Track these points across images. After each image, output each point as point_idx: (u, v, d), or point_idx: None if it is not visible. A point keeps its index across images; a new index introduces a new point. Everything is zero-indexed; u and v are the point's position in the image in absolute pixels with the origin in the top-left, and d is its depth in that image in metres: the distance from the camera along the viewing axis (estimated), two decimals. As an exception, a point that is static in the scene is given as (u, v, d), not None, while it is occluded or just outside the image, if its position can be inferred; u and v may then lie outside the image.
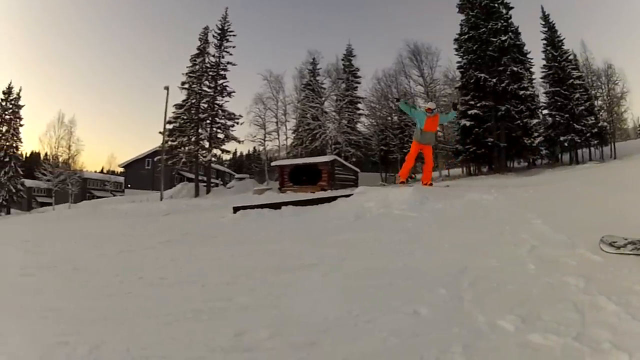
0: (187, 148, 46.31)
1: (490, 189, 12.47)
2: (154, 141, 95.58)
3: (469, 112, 39.70)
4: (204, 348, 3.50)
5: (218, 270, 6.39)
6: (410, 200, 10.77)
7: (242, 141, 50.60)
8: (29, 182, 58.17)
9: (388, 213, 10.16)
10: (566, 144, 40.95)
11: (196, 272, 6.53)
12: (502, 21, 40.42)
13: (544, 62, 43.29)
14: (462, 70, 42.57)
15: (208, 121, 47.67)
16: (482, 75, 39.11)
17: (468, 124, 39.56)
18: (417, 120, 14.37)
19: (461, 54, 42.63)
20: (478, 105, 39.33)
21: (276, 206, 13.71)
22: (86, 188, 66.50)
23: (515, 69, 38.79)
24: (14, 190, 48.59)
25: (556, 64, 41.72)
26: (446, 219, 8.79)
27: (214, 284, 5.58)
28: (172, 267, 7.13)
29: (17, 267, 8.00)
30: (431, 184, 14.55)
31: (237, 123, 48.68)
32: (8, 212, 49.63)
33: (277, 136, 54.18)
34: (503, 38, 39.16)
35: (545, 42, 43.47)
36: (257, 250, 7.89)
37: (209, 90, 48.50)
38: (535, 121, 39.52)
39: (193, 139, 46.58)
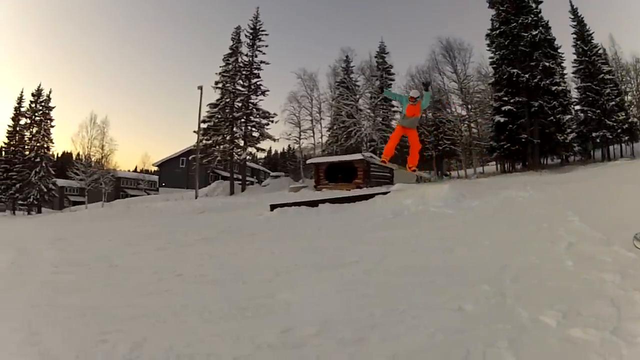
0: (222, 147, 45.93)
1: (525, 186, 12.34)
2: (188, 140, 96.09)
3: (503, 109, 38.67)
4: (250, 345, 3.50)
5: (258, 268, 6.41)
6: (447, 198, 10.84)
7: (277, 139, 49.93)
8: (61, 182, 58.54)
9: (425, 210, 10.20)
10: (598, 140, 39.66)
11: (236, 269, 6.55)
12: (532, 15, 39.66)
13: (575, 57, 40.68)
14: (494, 66, 41.72)
15: (243, 120, 47.10)
16: (515, 70, 38.40)
17: (502, 120, 38.63)
18: (401, 105, 14.75)
19: (493, 50, 41.82)
20: (511, 101, 38.55)
21: (313, 204, 13.78)
22: (120, 187, 66.52)
23: (546, 64, 38.04)
24: (45, 190, 48.97)
25: (586, 59, 41.30)
26: (483, 216, 8.79)
27: (256, 281, 5.61)
28: (212, 264, 7.15)
29: (49, 265, 8.09)
30: (414, 170, 14.46)
31: (272, 121, 47.87)
32: (39, 211, 50.09)
33: (312, 134, 53.55)
34: (534, 33, 38.34)
35: (574, 36, 42.24)
36: (297, 247, 7.93)
37: (242, 89, 47.64)
38: (567, 117, 38.87)
39: (228, 137, 46.24)
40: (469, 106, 43.48)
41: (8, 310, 5.08)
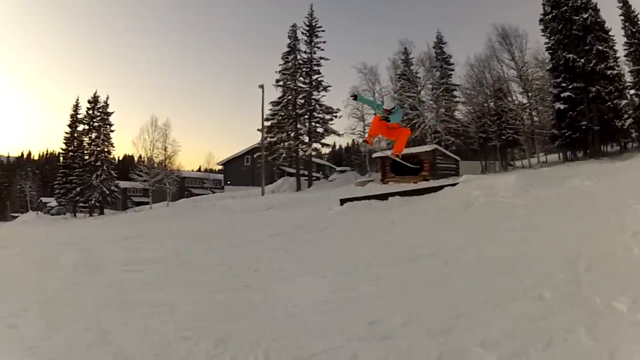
0: (286, 143, 45.71)
1: (589, 174, 12.10)
2: (252, 139, 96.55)
3: (562, 95, 37.50)
4: (339, 337, 3.56)
5: (337, 261, 6.48)
6: (515, 188, 10.80)
7: (342, 134, 50.10)
8: (123, 184, 59.69)
9: (495, 201, 10.20)
10: (654, 125, 38.00)
11: (313, 263, 6.65)
12: (581, -3, 38.65)
13: (625, 40, 40.22)
14: (550, 51, 40.46)
15: (306, 116, 46.71)
16: (571, 55, 37.14)
17: (562, 107, 37.25)
18: (376, 111, 14.25)
19: (547, 35, 40.42)
20: (570, 87, 37.19)
21: (383, 197, 13.77)
22: (184, 186, 67.94)
23: (600, 47, 36.66)
24: (107, 192, 50.31)
25: (636, 41, 39.54)
26: (552, 206, 8.75)
27: (336, 275, 5.67)
28: (287, 259, 7.25)
29: (117, 265, 8.20)
30: (397, 156, 14.08)
31: (335, 117, 47.24)
32: (101, 213, 51.03)
33: None
34: (584, 16, 36.98)
35: (622, 17, 40.18)
36: (372, 241, 8.00)
37: (304, 86, 47.35)
38: (624, 102, 37.17)
39: (292, 134, 46.04)
40: (529, 94, 42.31)
41: (76, 309, 5.13)
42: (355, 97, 11.02)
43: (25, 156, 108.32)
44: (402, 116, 13.89)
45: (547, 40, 40.31)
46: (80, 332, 4.25)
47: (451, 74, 47.87)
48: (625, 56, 39.58)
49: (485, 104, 45.52)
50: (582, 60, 36.20)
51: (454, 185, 13.25)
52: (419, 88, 47.66)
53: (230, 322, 4.23)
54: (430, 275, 5.10)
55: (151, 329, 4.23)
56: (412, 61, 49.39)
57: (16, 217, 65.57)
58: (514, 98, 43.34)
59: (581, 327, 3.18)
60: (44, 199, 76.56)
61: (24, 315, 4.93)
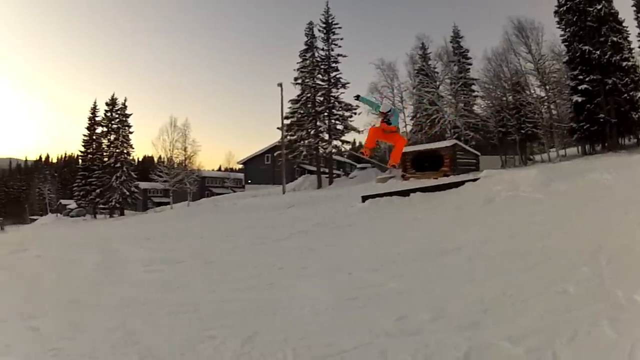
0: (306, 141, 46.11)
1: (608, 168, 12.06)
2: (271, 137, 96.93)
3: (579, 88, 37.07)
4: (368, 333, 3.58)
5: (361, 258, 6.51)
6: (535, 182, 10.79)
7: (362, 131, 49.33)
8: (143, 184, 60.48)
9: (516, 196, 10.18)
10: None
11: (338, 260, 6.65)
12: (594, -12, 38.09)
13: (638, 30, 39.62)
14: (566, 43, 39.96)
15: (325, 114, 46.86)
16: (587, 47, 36.70)
17: (579, 99, 36.87)
18: (375, 111, 14.06)
19: (562, 27, 39.91)
20: (587, 79, 36.79)
21: (405, 193, 13.81)
22: (205, 186, 68.59)
23: (614, 39, 36.21)
24: (127, 193, 50.81)
25: (648, 31, 38.93)
26: (572, 200, 8.74)
27: (361, 271, 5.69)
28: (312, 257, 7.29)
29: (139, 265, 8.27)
30: (394, 166, 13.99)
31: (355, 113, 47.41)
32: (122, 214, 51.67)
33: None
34: (598, 7, 36.42)
35: (634, 8, 39.91)
36: (395, 237, 8.05)
37: (322, 83, 47.45)
38: (639, 94, 37.00)
39: (312, 132, 46.15)
40: (547, 87, 41.93)
41: (99, 310, 5.20)
42: (357, 97, 11.01)
43: (43, 160, 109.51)
44: (399, 118, 13.88)
45: (562, 33, 39.95)
46: (104, 333, 4.28)
47: (469, 68, 47.49)
48: (639, 47, 39.13)
49: (504, 98, 45.09)
50: (598, 52, 35.87)
51: (475, 180, 13.21)
52: (438, 83, 47.30)
53: (257, 320, 4.27)
54: (455, 271, 5.14)
55: (177, 328, 4.27)
56: (430, 56, 49.03)
57: (35, 219, 66.39)
58: (532, 91, 42.87)
59: (604, 319, 3.22)
60: (63, 201, 77.61)
61: (46, 316, 4.99)
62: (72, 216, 58.06)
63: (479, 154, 38.15)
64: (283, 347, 3.50)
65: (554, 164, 31.78)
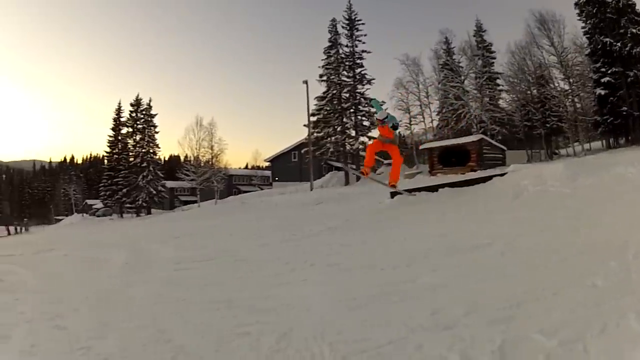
0: (333, 138, 46.84)
1: (632, 161, 11.93)
2: (298, 134, 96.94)
3: (602, 80, 37.23)
4: (403, 328, 3.63)
5: (392, 254, 6.51)
6: (562, 177, 10.70)
7: None
8: (170, 183, 62.02)
9: (544, 190, 10.12)
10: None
11: (369, 256, 6.66)
12: (612, -22, 38.38)
13: None
14: (588, 36, 40.11)
15: (352, 110, 47.82)
16: (608, 39, 36.91)
17: (603, 92, 37.17)
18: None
19: (583, 19, 40.14)
20: (609, 72, 36.99)
21: (433, 189, 13.73)
22: (232, 184, 69.20)
23: (633, 30, 36.34)
24: (154, 192, 52.16)
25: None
26: (598, 193, 8.71)
27: (393, 267, 5.71)
28: (343, 253, 7.27)
29: (169, 263, 8.38)
30: (394, 186, 13.79)
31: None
32: (149, 213, 52.82)
33: (422, 119, 53.02)
34: (616, -3, 36.94)
35: None
36: (425, 232, 8.01)
37: (348, 79, 48.51)
38: (660, 86, 36.39)
39: (339, 128, 47.03)
40: (571, 80, 41.59)
41: (129, 308, 5.19)
42: (371, 100, 11.00)
43: (68, 161, 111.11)
44: (397, 120, 13.86)
45: (583, 25, 40.21)
46: (134, 331, 4.32)
47: (493, 62, 47.59)
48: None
49: (528, 92, 44.90)
50: (619, 44, 35.69)
51: (502, 175, 13.08)
52: (462, 77, 47.46)
53: (291, 316, 4.30)
54: (486, 265, 5.17)
55: (209, 325, 4.30)
56: (454, 50, 49.36)
57: (60, 220, 67.35)
58: (556, 84, 42.58)
59: (631, 313, 3.24)
60: (89, 201, 78.87)
61: (75, 315, 5.07)
62: (98, 216, 59.13)
63: (505, 148, 38.18)
64: (319, 342, 3.54)
65: (579, 158, 31.65)
